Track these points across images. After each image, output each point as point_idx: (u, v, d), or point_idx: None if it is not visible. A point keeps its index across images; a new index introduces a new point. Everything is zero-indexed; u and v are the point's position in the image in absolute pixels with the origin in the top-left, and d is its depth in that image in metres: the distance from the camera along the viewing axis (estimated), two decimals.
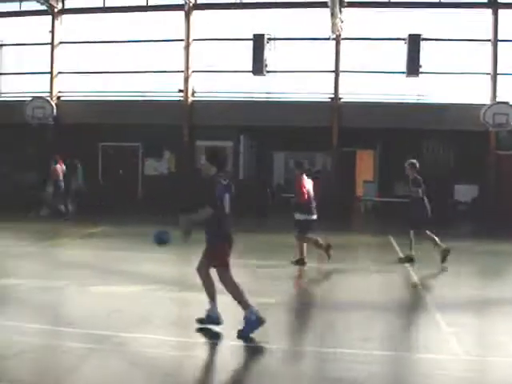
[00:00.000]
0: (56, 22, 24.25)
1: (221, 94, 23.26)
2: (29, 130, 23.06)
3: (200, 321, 7.21)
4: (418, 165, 12.07)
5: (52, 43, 24.23)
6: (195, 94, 23.18)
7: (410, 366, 6.31)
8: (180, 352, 6.70)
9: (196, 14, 23.05)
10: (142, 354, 6.51)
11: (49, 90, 24.12)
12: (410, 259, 11.72)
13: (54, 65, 24.19)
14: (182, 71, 22.96)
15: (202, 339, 7.00)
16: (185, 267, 12.25)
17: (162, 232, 7.41)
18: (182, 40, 22.98)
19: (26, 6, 24.88)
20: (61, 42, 24.38)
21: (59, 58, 24.32)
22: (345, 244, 13.24)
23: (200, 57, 23.07)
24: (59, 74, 24.34)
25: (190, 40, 22.89)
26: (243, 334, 6.76)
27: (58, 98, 24.23)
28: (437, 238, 11.49)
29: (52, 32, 24.21)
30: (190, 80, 22.93)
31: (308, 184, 11.42)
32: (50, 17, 24.26)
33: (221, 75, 23.35)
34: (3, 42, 24.85)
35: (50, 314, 8.21)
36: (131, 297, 9.08)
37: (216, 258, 7.09)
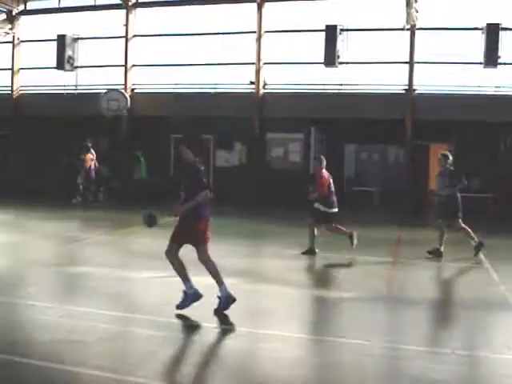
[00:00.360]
0: (130, 16, 24.64)
1: (292, 85, 23.06)
2: (103, 122, 23.56)
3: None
4: (450, 157, 11.95)
5: (126, 36, 24.62)
6: (266, 86, 23.12)
7: (493, 366, 6.07)
8: (252, 344, 6.67)
9: (268, 6, 22.97)
10: (215, 344, 6.53)
11: (123, 82, 24.57)
12: (480, 244, 11.51)
13: (128, 58, 24.61)
14: (254, 63, 22.94)
15: (273, 331, 6.95)
16: (255, 259, 12.28)
17: (151, 215, 7.96)
18: (253, 32, 22.95)
19: (100, 1, 25.38)
20: (134, 35, 24.77)
21: (133, 51, 24.73)
22: (422, 239, 12.97)
23: (272, 49, 22.98)
24: (133, 67, 24.77)
25: (262, 32, 22.82)
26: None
27: (132, 90, 24.66)
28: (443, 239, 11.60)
29: (126, 25, 24.61)
30: (261, 72, 22.89)
31: (329, 178, 11.80)
32: (123, 11, 24.68)
33: (292, 67, 23.18)
34: (79, 36, 25.40)
35: (123, 302, 8.35)
36: (204, 287, 9.11)
37: (198, 237, 7.55)
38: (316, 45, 21.90)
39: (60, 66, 24.58)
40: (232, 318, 7.46)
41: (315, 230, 11.85)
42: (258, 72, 22.84)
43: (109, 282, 9.40)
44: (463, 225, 11.66)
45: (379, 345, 6.53)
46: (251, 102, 22.86)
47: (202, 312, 7.57)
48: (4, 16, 26.41)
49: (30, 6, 26.88)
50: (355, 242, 11.93)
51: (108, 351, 6.25)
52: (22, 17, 26.89)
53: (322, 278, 10.65)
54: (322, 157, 12.37)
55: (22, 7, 26.74)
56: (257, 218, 18.59)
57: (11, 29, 26.63)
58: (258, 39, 22.84)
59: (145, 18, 24.79)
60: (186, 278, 7.55)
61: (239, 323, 7.28)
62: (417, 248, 12.16)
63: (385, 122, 20.92)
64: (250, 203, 21.05)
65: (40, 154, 24.89)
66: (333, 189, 11.90)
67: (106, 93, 23.83)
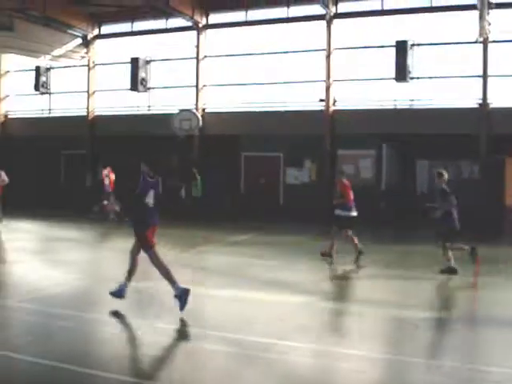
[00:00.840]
0: (201, 37, 25.12)
1: (363, 102, 22.85)
2: (175, 141, 24.01)
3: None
4: (446, 175, 12.35)
5: (197, 57, 25.10)
6: (336, 103, 23.05)
7: None
8: (334, 363, 6.62)
9: (337, 23, 22.97)
10: (296, 363, 6.52)
11: (194, 102, 25.00)
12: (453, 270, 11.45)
13: (200, 78, 25.05)
14: (324, 81, 22.92)
15: (355, 351, 6.89)
16: (329, 278, 12.22)
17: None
18: (323, 50, 22.97)
19: (171, 23, 25.99)
20: (205, 56, 25.21)
21: (204, 72, 25.15)
22: (499, 256, 12.66)
23: (341, 65, 22.92)
24: (204, 87, 25.17)
25: (332, 49, 22.82)
26: (181, 308, 8.07)
27: (203, 109, 25.04)
28: (465, 247, 11.64)
29: (197, 46, 25.10)
30: (331, 89, 22.85)
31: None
32: (194, 32, 25.18)
33: (363, 83, 22.96)
34: (151, 58, 26.06)
35: (201, 319, 8.47)
36: (283, 306, 9.15)
37: (142, 244, 8.44)
38: (386, 60, 21.79)
39: (134, 87, 25.29)
40: (314, 336, 7.47)
41: (355, 238, 12.99)
42: (327, 89, 22.80)
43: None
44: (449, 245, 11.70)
45: (463, 367, 6.40)
46: (321, 119, 22.83)
47: (281, 330, 7.60)
48: (80, 40, 27.38)
49: (104, 30, 27.80)
50: (359, 258, 12.78)
51: (189, 368, 6.38)
52: (97, 41, 27.82)
53: (402, 296, 10.49)
54: (343, 169, 14.48)
55: (96, 31, 27.68)
56: (327, 235, 18.46)
57: (86, 53, 27.58)
58: (328, 56, 22.84)
59: (215, 39, 25.22)
60: (128, 277, 8.72)
61: (322, 341, 7.27)
62: (495, 265, 11.85)
63: (458, 136, 20.51)
64: (321, 221, 20.96)
65: (115, 173, 25.52)
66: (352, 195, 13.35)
67: (178, 113, 24.31)
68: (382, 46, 22.23)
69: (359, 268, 12.30)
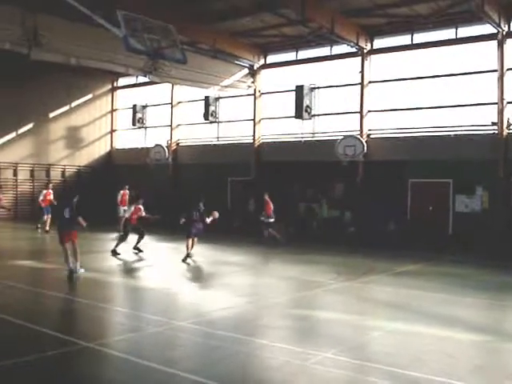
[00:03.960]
0: (365, 63, 24.91)
1: None
2: (339, 167, 23.98)
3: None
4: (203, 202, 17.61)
5: (362, 83, 24.92)
6: (511, 127, 21.64)
7: None
8: None
9: (510, 42, 21.71)
10: None
11: (359, 128, 24.76)
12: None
13: (364, 103, 24.79)
14: (496, 103, 21.68)
15: None
16: (501, 315, 11.34)
17: None
18: (494, 71, 21.80)
19: (336, 50, 26.05)
20: (370, 82, 24.93)
21: (368, 97, 24.86)
22: None
23: None
24: (369, 113, 24.85)
25: (505, 70, 21.59)
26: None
27: (368, 135, 24.71)
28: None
29: (361, 72, 24.90)
30: (504, 112, 21.53)
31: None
32: (359, 58, 25.02)
33: None
34: (316, 86, 26.21)
35: (370, 352, 8.18)
36: (455, 343, 8.61)
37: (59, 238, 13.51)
38: None
39: (298, 114, 25.52)
40: (492, 378, 6.91)
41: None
42: (500, 112, 21.52)
43: (355, 330, 9.27)
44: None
45: None
46: (494, 143, 21.58)
47: (454, 370, 7.12)
48: (246, 71, 28.22)
49: (270, 59, 28.49)
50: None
51: None
52: (263, 70, 28.53)
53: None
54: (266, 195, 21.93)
55: (262, 61, 28.42)
56: (501, 269, 17.30)
57: (253, 82, 28.37)
58: (500, 77, 21.61)
59: (380, 64, 24.90)
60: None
61: None
62: None
63: None
64: (494, 252, 19.72)
65: (278, 199, 25.83)
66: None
67: (342, 139, 24.22)
68: None
69: None
